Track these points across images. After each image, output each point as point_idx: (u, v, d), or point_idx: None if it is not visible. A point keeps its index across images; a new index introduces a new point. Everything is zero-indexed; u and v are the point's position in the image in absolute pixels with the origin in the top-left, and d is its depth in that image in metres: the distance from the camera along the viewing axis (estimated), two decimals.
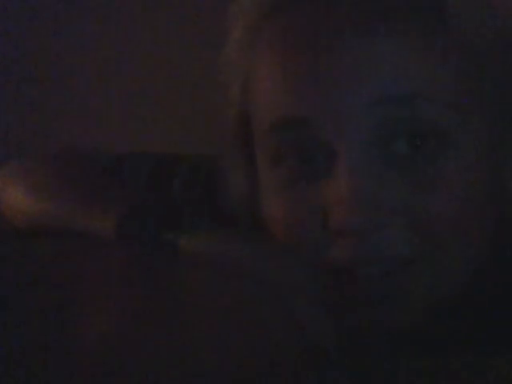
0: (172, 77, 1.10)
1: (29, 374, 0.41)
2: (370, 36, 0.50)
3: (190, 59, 1.07)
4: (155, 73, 1.12)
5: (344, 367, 0.48)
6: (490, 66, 0.52)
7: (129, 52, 1.14)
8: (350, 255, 0.51)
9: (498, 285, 0.54)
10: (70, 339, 0.42)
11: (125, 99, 1.13)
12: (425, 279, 0.52)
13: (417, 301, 0.52)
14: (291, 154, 0.52)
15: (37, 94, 1.16)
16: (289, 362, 0.45)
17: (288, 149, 0.52)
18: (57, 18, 1.16)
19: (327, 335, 0.50)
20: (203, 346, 0.42)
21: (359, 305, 0.52)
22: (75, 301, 0.44)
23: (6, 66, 1.17)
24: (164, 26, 1.12)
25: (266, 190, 0.55)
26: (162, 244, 0.52)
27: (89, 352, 0.41)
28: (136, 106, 1.13)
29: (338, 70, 0.50)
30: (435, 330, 0.54)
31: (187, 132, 1.04)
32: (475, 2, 0.52)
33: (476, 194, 0.52)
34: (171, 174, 0.65)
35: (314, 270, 0.51)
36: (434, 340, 0.52)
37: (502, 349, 0.46)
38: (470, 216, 0.51)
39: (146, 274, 0.47)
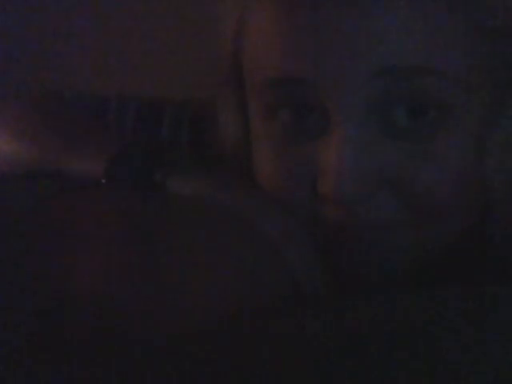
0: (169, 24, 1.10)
1: (16, 324, 0.41)
2: (377, 4, 0.48)
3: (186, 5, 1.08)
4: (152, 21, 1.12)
5: (332, 308, 0.48)
6: (500, 44, 0.51)
7: None
8: (335, 219, 0.51)
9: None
10: (58, 285, 0.42)
11: (119, 44, 1.13)
12: (406, 241, 0.52)
13: (399, 259, 0.52)
14: (286, 110, 0.51)
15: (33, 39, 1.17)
16: (277, 303, 0.45)
17: (283, 105, 0.51)
18: None
19: (315, 277, 0.50)
20: (193, 287, 0.43)
21: (343, 255, 0.52)
22: (63, 244, 0.45)
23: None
24: None
25: (258, 140, 0.54)
26: (149, 184, 0.52)
27: (80, 296, 0.41)
28: (131, 52, 1.13)
29: (342, 35, 0.48)
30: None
31: (184, 77, 1.04)
32: None
33: (468, 173, 0.51)
34: (158, 117, 0.65)
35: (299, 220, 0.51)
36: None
37: None
38: (458, 192, 0.51)
39: (135, 215, 0.47)
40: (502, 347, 0.39)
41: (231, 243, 0.46)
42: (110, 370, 0.38)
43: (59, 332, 0.40)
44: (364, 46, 0.48)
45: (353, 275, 0.53)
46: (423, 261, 0.53)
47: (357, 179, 0.49)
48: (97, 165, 0.54)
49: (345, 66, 0.48)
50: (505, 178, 0.51)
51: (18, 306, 0.42)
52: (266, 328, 0.41)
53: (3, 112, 0.64)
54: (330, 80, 0.49)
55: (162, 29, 1.11)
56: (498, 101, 0.51)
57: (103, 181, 0.54)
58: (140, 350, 0.39)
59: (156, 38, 1.12)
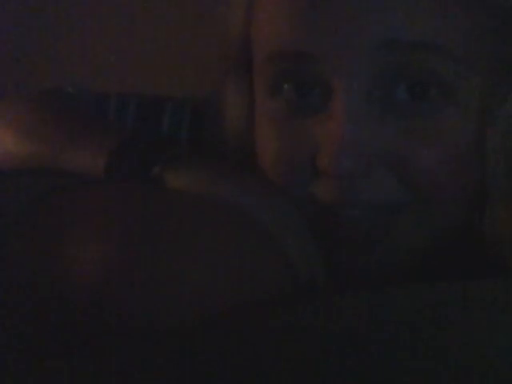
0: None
1: (15, 323, 0.42)
2: None
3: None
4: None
5: (331, 304, 0.48)
6: (506, 27, 0.51)
7: None
8: (334, 196, 0.51)
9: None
10: (58, 282, 0.42)
11: (119, 43, 1.13)
12: (406, 228, 0.52)
13: (399, 246, 0.52)
14: (289, 85, 0.52)
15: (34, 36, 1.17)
16: (276, 295, 0.45)
17: (286, 80, 0.52)
18: None
19: (315, 268, 0.51)
20: (193, 281, 0.43)
21: (343, 244, 0.52)
22: (63, 240, 0.44)
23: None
24: None
25: (261, 120, 0.55)
26: (147, 179, 0.53)
27: (80, 293, 0.41)
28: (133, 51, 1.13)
29: (344, 8, 0.49)
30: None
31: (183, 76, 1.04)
32: None
33: (466, 155, 0.52)
34: (158, 113, 0.65)
35: (300, 207, 0.51)
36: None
37: None
38: (457, 174, 0.51)
39: (135, 211, 0.47)
40: (503, 346, 0.39)
41: (230, 236, 0.46)
42: (111, 368, 0.39)
43: (59, 331, 0.41)
44: (366, 19, 0.49)
45: (351, 265, 0.53)
46: (423, 252, 0.53)
47: (355, 153, 0.49)
48: (97, 161, 0.54)
49: (347, 39, 0.49)
50: (506, 164, 0.51)
51: (18, 303, 0.42)
52: (266, 325, 0.41)
53: (4, 109, 0.64)
54: (332, 54, 0.49)
55: (162, 28, 1.12)
56: (501, 85, 0.52)
57: (103, 177, 0.54)
58: (140, 347, 0.39)
59: (156, 38, 1.12)
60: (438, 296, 0.42)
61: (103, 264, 0.42)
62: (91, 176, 0.54)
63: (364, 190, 0.51)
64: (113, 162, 0.54)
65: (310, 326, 0.40)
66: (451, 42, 0.50)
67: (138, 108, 0.66)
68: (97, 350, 0.40)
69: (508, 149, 0.51)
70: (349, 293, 0.43)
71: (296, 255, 0.49)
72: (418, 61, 0.49)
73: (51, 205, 0.48)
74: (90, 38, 1.18)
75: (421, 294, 0.43)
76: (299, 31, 0.50)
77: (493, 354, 0.39)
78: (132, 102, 0.66)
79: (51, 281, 0.42)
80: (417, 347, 0.39)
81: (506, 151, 0.51)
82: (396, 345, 0.39)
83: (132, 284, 0.41)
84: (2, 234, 0.46)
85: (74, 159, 0.56)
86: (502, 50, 0.51)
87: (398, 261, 0.53)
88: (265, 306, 0.44)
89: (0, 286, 0.43)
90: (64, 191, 0.50)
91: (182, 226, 0.45)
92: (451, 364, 0.38)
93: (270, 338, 0.40)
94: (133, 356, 0.39)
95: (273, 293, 0.46)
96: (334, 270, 0.52)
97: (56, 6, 1.18)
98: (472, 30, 0.50)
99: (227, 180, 0.52)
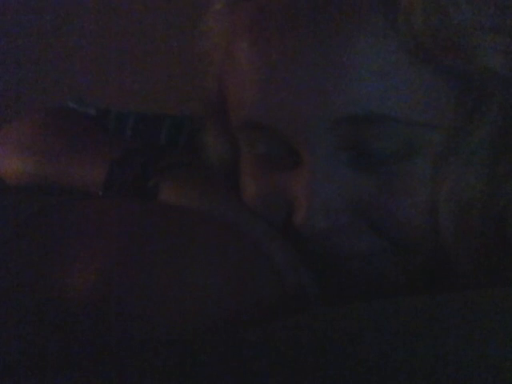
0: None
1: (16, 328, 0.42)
2: (342, 50, 0.49)
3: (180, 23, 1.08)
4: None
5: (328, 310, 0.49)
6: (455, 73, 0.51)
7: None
8: (312, 251, 0.52)
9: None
10: (60, 290, 0.43)
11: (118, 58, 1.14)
12: (387, 269, 0.53)
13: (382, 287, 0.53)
14: (261, 145, 0.53)
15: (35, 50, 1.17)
16: (267, 307, 0.46)
17: (258, 141, 0.53)
18: None
19: (302, 272, 0.52)
20: (189, 288, 0.44)
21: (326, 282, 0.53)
22: (63, 251, 0.45)
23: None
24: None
25: (243, 163, 0.56)
26: (143, 192, 0.54)
27: (81, 302, 0.42)
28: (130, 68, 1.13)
29: (305, 83, 0.49)
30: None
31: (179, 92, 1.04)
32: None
33: (452, 206, 0.51)
34: (157, 127, 0.66)
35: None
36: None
37: None
38: (430, 225, 0.51)
39: (133, 223, 0.48)
40: (503, 349, 0.40)
41: (220, 247, 0.47)
42: (110, 372, 0.39)
43: (58, 342, 0.41)
44: (325, 96, 0.49)
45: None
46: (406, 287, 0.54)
47: (326, 212, 0.50)
48: (95, 175, 0.56)
49: (307, 114, 0.50)
50: (455, 209, 0.51)
51: (17, 315, 0.43)
52: (260, 334, 0.41)
53: (11, 129, 0.66)
54: (294, 126, 0.50)
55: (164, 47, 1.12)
56: (459, 132, 0.52)
57: (101, 190, 0.55)
58: (139, 357, 0.40)
59: (158, 53, 1.12)
60: (438, 306, 0.43)
61: (101, 276, 0.42)
62: (90, 189, 0.56)
63: (342, 242, 0.52)
64: (111, 175, 0.55)
65: (309, 337, 0.40)
66: (411, 108, 0.50)
67: (136, 124, 0.67)
68: (96, 360, 0.40)
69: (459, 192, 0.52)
70: (347, 303, 0.43)
71: (282, 260, 0.51)
72: (380, 132, 0.50)
73: (50, 219, 0.49)
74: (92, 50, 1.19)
75: (420, 305, 0.43)
76: (262, 104, 0.51)
77: (493, 363, 0.39)
78: (131, 118, 0.67)
79: (51, 292, 0.43)
80: (416, 358, 0.39)
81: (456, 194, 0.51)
82: (394, 355, 0.39)
83: (130, 295, 0.42)
84: (3, 246, 0.47)
85: (74, 174, 0.57)
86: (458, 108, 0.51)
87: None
88: (263, 316, 0.45)
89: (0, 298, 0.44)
90: (63, 206, 0.51)
91: (176, 238, 0.46)
92: (450, 374, 0.38)
93: (268, 348, 0.40)
94: (132, 365, 0.39)
95: (262, 298, 0.47)
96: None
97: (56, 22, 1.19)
98: (432, 96, 0.51)
99: (216, 195, 0.53)
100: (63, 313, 0.42)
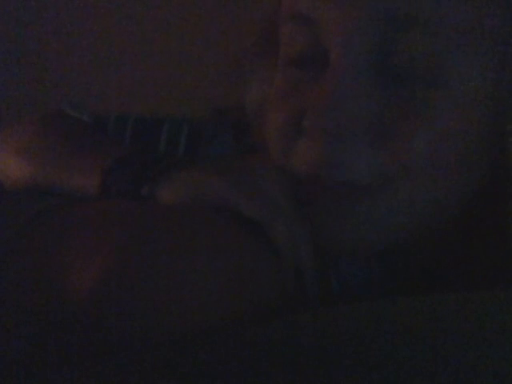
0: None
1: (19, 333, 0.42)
2: None
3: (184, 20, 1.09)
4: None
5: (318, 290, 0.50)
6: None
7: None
8: (316, 159, 0.51)
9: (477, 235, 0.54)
10: (60, 292, 0.43)
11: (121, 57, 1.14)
12: (385, 207, 0.52)
13: (377, 226, 0.52)
14: (297, 45, 0.54)
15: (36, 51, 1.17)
16: (267, 306, 0.46)
17: (295, 41, 0.54)
18: None
19: (303, 255, 0.52)
20: (190, 288, 0.43)
21: (325, 219, 0.52)
22: (62, 253, 0.45)
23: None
24: None
25: (272, 95, 0.56)
26: (137, 198, 0.53)
27: (80, 303, 0.42)
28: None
29: None
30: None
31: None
32: None
33: (463, 140, 0.51)
34: (156, 131, 0.66)
35: (288, 190, 0.52)
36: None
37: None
38: (448, 159, 0.51)
39: (131, 223, 0.48)
40: (503, 350, 0.40)
41: (221, 248, 0.47)
42: (110, 372, 0.39)
43: (60, 336, 0.41)
44: None
45: (335, 241, 0.53)
46: (408, 233, 0.53)
47: (339, 116, 0.50)
48: (92, 179, 0.55)
49: (348, 9, 0.50)
50: None
51: (18, 316, 0.43)
52: (260, 333, 0.41)
53: (8, 134, 0.65)
54: (334, 19, 0.51)
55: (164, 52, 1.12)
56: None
57: (97, 194, 0.55)
58: (137, 353, 0.40)
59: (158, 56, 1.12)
60: (438, 306, 0.43)
61: (101, 277, 0.42)
62: (87, 194, 0.55)
63: (345, 158, 0.51)
64: (106, 179, 0.55)
65: (309, 337, 0.40)
66: (445, 23, 0.50)
67: (135, 127, 0.67)
68: (96, 361, 0.40)
69: None
70: (348, 302, 0.43)
71: (283, 245, 0.50)
72: (411, 39, 0.50)
73: (51, 220, 0.49)
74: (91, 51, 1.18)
75: (420, 304, 0.43)
76: None
77: (493, 364, 0.39)
78: (130, 122, 0.67)
79: (51, 293, 0.43)
80: (416, 358, 0.39)
81: None
82: (394, 355, 0.39)
83: (130, 295, 0.42)
84: (3, 248, 0.47)
85: (71, 179, 0.57)
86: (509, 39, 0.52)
87: (380, 239, 0.53)
88: (263, 315, 0.44)
89: (1, 300, 0.44)
90: (63, 207, 0.51)
91: (176, 238, 0.46)
92: (451, 374, 0.38)
93: (270, 346, 0.40)
94: (132, 365, 0.39)
95: (263, 297, 0.46)
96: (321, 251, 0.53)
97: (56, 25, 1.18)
98: (469, 15, 0.50)
99: (217, 179, 0.53)
100: (63, 313, 0.42)
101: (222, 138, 0.64)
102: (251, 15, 0.63)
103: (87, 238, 0.46)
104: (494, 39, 0.51)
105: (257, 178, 0.53)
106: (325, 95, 0.50)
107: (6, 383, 0.40)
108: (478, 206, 0.53)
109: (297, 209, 0.52)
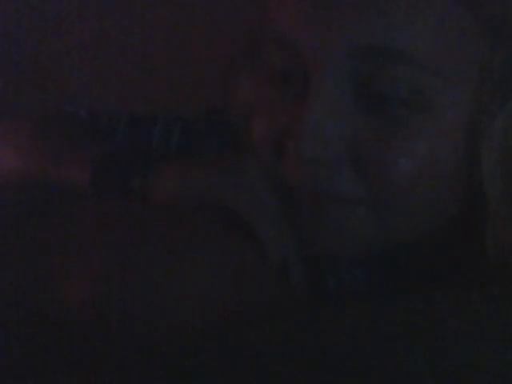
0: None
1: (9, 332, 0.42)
2: None
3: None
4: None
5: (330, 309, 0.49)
6: (496, 38, 0.52)
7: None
8: (296, 179, 0.53)
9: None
10: (58, 293, 0.44)
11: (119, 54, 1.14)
12: (367, 223, 0.53)
13: (356, 239, 0.54)
14: (279, 65, 0.54)
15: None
16: (266, 307, 0.47)
17: (277, 60, 0.54)
18: None
19: (289, 255, 0.53)
20: (186, 293, 0.44)
21: (307, 227, 0.54)
22: (58, 250, 0.46)
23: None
24: None
25: (258, 103, 0.57)
26: (127, 191, 0.55)
27: (76, 302, 0.43)
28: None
29: (337, 7, 0.51)
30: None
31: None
32: None
33: (443, 163, 0.52)
34: (149, 128, 0.66)
35: (273, 192, 0.53)
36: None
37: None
38: (427, 180, 0.52)
39: (132, 223, 0.49)
40: (502, 348, 0.40)
41: (220, 250, 0.48)
42: (110, 373, 0.40)
43: (59, 337, 0.42)
44: (349, 21, 0.50)
45: (317, 250, 0.54)
46: (393, 248, 0.54)
47: (319, 142, 0.51)
48: (83, 174, 0.57)
49: (330, 36, 0.51)
50: (502, 181, 0.52)
51: (19, 312, 0.43)
52: (258, 334, 0.42)
53: (5, 129, 0.66)
54: (315, 45, 0.51)
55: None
56: (493, 97, 0.52)
57: (89, 189, 0.56)
58: (137, 354, 0.41)
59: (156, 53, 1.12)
60: (437, 300, 0.43)
61: (101, 278, 0.43)
62: (77, 187, 0.57)
63: (324, 178, 0.52)
64: (97, 172, 0.56)
65: (307, 337, 0.41)
66: (427, 54, 0.51)
67: (128, 125, 0.68)
68: (96, 362, 0.41)
69: (504, 166, 0.52)
70: (348, 303, 0.44)
71: (268, 239, 0.52)
72: (393, 69, 0.50)
73: (50, 220, 0.50)
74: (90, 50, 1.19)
75: (418, 304, 0.43)
76: (290, 20, 0.53)
77: (492, 362, 0.40)
78: (122, 120, 0.68)
79: (51, 294, 0.43)
80: (414, 357, 0.39)
81: (503, 169, 0.52)
82: (393, 355, 0.39)
83: (130, 296, 0.43)
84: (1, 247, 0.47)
85: (62, 172, 0.58)
86: (492, 65, 0.52)
87: (345, 252, 0.55)
88: (262, 316, 0.45)
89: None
90: (62, 207, 0.52)
91: (175, 239, 0.47)
92: (450, 368, 0.39)
93: (267, 348, 0.41)
94: (132, 366, 0.40)
95: (261, 298, 0.47)
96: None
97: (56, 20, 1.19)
98: (451, 44, 0.51)
99: (206, 176, 0.54)
100: (63, 314, 0.42)
101: (214, 137, 0.65)
102: (247, 15, 0.63)
103: (87, 239, 0.46)
104: (473, 65, 0.52)
105: (245, 176, 0.54)
106: (304, 122, 0.51)
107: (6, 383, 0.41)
108: (456, 225, 0.55)
109: (283, 209, 0.54)
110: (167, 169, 0.55)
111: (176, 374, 0.39)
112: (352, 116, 0.52)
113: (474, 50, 0.52)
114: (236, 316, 0.44)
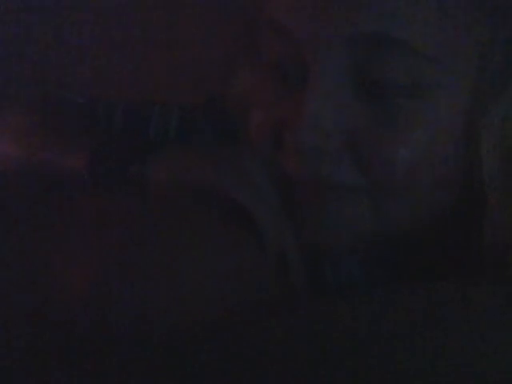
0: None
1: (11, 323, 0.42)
2: None
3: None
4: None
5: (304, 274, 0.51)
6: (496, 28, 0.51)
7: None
8: (293, 168, 0.52)
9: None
10: (57, 288, 0.43)
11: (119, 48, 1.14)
12: (362, 211, 0.52)
13: (345, 228, 0.53)
14: (276, 55, 0.53)
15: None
16: (266, 303, 0.46)
17: (275, 49, 0.53)
18: None
19: (288, 244, 0.52)
20: (186, 289, 0.44)
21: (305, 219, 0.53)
22: (62, 247, 0.45)
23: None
24: None
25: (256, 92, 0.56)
26: (124, 179, 0.54)
27: (77, 292, 0.42)
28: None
29: None
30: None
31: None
32: None
33: (441, 152, 0.52)
34: (146, 116, 0.65)
35: (271, 182, 0.53)
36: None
37: None
38: (425, 170, 0.51)
39: (132, 218, 0.48)
40: (503, 338, 0.40)
41: (220, 246, 0.47)
42: (107, 368, 0.39)
43: (58, 333, 0.41)
44: (348, 10, 0.50)
45: (316, 240, 0.54)
46: (392, 239, 0.54)
47: (318, 132, 0.50)
48: (80, 161, 0.56)
49: (327, 23, 0.50)
50: (501, 170, 0.51)
51: (19, 307, 0.43)
52: (258, 329, 0.41)
53: (2, 115, 0.65)
54: (312, 33, 0.51)
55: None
56: (493, 90, 0.52)
57: (85, 176, 0.55)
58: (136, 351, 0.40)
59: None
60: (437, 295, 0.43)
61: (101, 274, 0.43)
62: (75, 174, 0.56)
63: (323, 167, 0.52)
64: (94, 159, 0.55)
65: (310, 327, 0.41)
66: (427, 42, 0.50)
67: (124, 114, 0.67)
68: (95, 358, 0.40)
69: (503, 153, 0.52)
70: (347, 294, 0.45)
71: (267, 228, 0.51)
72: (393, 57, 0.50)
73: (49, 214, 0.49)
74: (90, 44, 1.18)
75: (419, 294, 0.43)
76: (288, 6, 0.52)
77: (493, 352, 0.39)
78: (119, 108, 0.67)
79: (50, 289, 0.43)
80: (415, 347, 0.39)
81: (503, 157, 0.51)
82: (394, 344, 0.39)
83: (129, 292, 0.42)
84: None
85: (59, 159, 0.57)
86: (493, 56, 0.52)
87: (344, 243, 0.54)
88: (262, 312, 0.44)
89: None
90: (60, 201, 0.51)
91: (176, 234, 0.46)
92: (449, 363, 0.38)
93: (267, 344, 0.40)
94: (131, 363, 0.39)
95: (261, 294, 0.46)
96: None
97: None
98: (451, 32, 0.51)
99: (202, 171, 0.53)
100: (62, 310, 0.42)
101: (212, 126, 0.64)
102: (246, 3, 0.62)
103: (87, 234, 0.46)
104: (473, 54, 0.51)
105: (244, 164, 0.53)
106: (304, 111, 0.51)
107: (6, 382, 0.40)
108: (454, 215, 0.54)
109: (282, 199, 0.53)
110: (165, 157, 0.54)
111: (176, 370, 0.39)
112: (351, 105, 0.51)
113: (473, 38, 0.51)
114: (236, 309, 0.44)
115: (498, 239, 0.51)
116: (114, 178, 0.54)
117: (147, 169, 0.54)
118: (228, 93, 0.60)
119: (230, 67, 0.61)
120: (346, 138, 0.51)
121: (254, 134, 0.55)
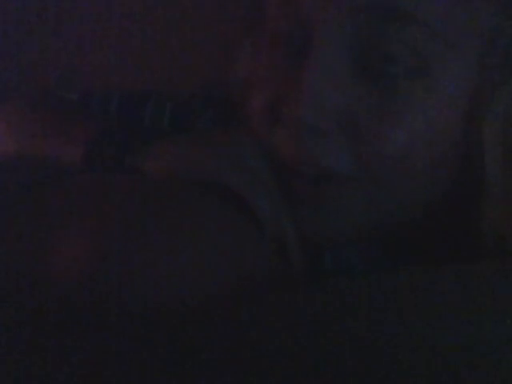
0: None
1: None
2: None
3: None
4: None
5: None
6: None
7: None
8: (291, 150, 0.52)
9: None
10: (55, 266, 0.43)
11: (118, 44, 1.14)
12: (358, 200, 0.52)
13: (351, 217, 0.53)
14: (282, 25, 0.53)
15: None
16: (263, 284, 0.46)
17: (280, 20, 0.53)
18: None
19: (287, 231, 0.52)
20: (184, 268, 0.44)
21: (300, 206, 0.53)
22: (59, 226, 0.45)
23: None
24: None
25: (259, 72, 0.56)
26: (120, 168, 0.54)
27: (71, 279, 0.42)
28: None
29: None
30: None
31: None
32: None
33: (441, 136, 0.51)
34: (141, 105, 0.66)
35: (269, 167, 0.53)
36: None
37: None
38: (424, 156, 0.51)
39: (120, 197, 0.48)
40: (500, 323, 0.40)
41: (218, 225, 0.47)
42: (107, 347, 0.39)
43: (56, 312, 0.41)
44: None
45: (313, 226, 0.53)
46: (370, 228, 0.54)
47: (317, 109, 0.50)
48: (76, 151, 0.56)
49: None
50: (503, 158, 0.51)
51: (10, 293, 0.43)
52: (256, 311, 0.41)
53: (1, 109, 0.65)
54: (314, 8, 0.51)
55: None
56: (497, 71, 0.51)
57: (81, 166, 0.56)
58: (134, 330, 0.40)
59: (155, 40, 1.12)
60: (434, 279, 0.43)
61: (98, 252, 0.42)
62: (71, 165, 0.56)
63: (318, 150, 0.51)
64: (90, 150, 0.55)
65: (304, 312, 0.41)
66: (432, 15, 0.49)
67: (120, 104, 0.67)
68: (93, 336, 0.40)
69: (507, 142, 0.51)
70: (342, 279, 0.44)
71: (265, 215, 0.51)
72: (396, 30, 0.49)
73: (45, 194, 0.50)
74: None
75: (414, 279, 0.43)
76: None
77: (490, 337, 0.39)
78: (114, 98, 0.67)
79: (48, 268, 0.43)
80: (414, 329, 0.39)
81: (505, 145, 0.51)
82: (389, 330, 0.39)
83: (127, 272, 0.42)
84: None
85: (56, 150, 0.57)
86: (495, 37, 0.51)
87: (343, 231, 0.54)
88: (259, 293, 0.44)
89: None
90: (57, 181, 0.52)
91: (173, 214, 0.46)
92: (446, 349, 0.38)
93: (264, 326, 0.40)
94: (128, 342, 0.39)
95: (259, 275, 0.46)
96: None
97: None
98: (457, 10, 0.50)
99: (202, 152, 0.53)
100: (60, 288, 0.42)
101: (208, 113, 0.64)
102: None
103: (84, 213, 0.46)
104: (479, 35, 0.51)
105: (241, 152, 0.53)
106: (304, 87, 0.50)
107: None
108: (453, 203, 0.54)
109: (279, 185, 0.53)
110: (160, 145, 0.54)
111: (175, 350, 0.39)
112: (350, 84, 0.51)
113: (481, 20, 0.51)
114: (234, 292, 0.44)
115: (497, 224, 0.51)
116: (110, 168, 0.54)
117: (141, 159, 0.54)
118: (227, 79, 0.60)
119: (230, 54, 0.60)
120: (344, 118, 0.51)
121: (254, 114, 0.54)
